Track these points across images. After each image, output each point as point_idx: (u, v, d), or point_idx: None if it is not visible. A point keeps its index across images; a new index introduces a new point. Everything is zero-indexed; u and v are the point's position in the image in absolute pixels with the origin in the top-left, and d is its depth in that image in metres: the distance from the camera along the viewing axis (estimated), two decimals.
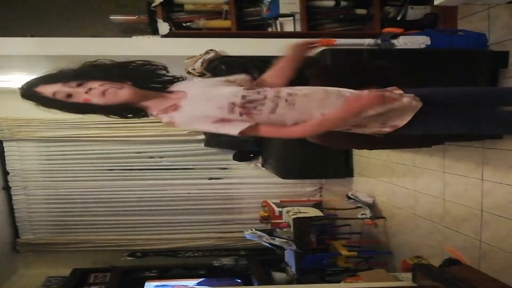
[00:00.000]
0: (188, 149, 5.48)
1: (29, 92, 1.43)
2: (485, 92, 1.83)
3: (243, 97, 1.48)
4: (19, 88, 1.44)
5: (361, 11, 3.14)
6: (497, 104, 1.80)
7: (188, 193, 5.57)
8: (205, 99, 1.49)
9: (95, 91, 1.39)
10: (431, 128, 1.67)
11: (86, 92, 1.39)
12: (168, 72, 1.56)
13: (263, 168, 5.16)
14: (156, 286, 4.90)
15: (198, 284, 4.96)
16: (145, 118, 1.58)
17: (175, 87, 1.56)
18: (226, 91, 1.51)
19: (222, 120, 1.48)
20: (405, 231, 3.71)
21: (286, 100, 1.51)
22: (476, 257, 2.83)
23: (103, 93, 1.39)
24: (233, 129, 1.48)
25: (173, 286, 4.90)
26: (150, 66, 1.53)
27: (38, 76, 1.44)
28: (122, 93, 1.41)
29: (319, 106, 1.54)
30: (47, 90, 1.41)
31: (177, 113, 1.47)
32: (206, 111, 1.48)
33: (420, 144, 2.70)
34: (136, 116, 1.55)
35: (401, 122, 1.61)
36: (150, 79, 1.53)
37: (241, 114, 1.48)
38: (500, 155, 2.59)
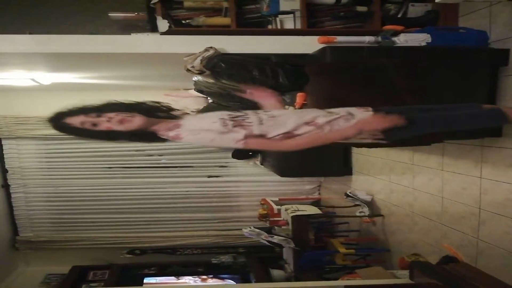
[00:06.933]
0: (187, 147, 5.47)
1: (59, 124, 1.69)
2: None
3: (229, 114, 1.75)
4: (49, 122, 1.71)
5: (361, 9, 3.13)
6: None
7: (187, 191, 5.57)
8: (200, 117, 1.82)
9: (114, 120, 1.67)
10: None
11: (108, 121, 1.67)
12: (170, 111, 1.85)
13: (262, 166, 5.16)
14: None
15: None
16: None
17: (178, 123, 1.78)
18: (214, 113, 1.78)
19: (221, 133, 1.70)
20: (403, 228, 3.72)
21: (268, 115, 1.78)
22: (473, 254, 2.84)
23: (121, 121, 1.67)
24: (232, 141, 1.71)
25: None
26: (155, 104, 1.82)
27: (62, 110, 1.70)
28: (136, 120, 1.70)
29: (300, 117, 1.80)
30: (75, 120, 1.67)
31: (181, 129, 1.74)
32: (204, 125, 1.74)
33: (419, 142, 2.71)
34: (151, 141, 1.80)
35: None
36: (154, 112, 1.80)
37: (234, 126, 1.71)
38: (499, 153, 2.59)
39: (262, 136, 1.73)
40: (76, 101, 1.70)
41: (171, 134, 1.74)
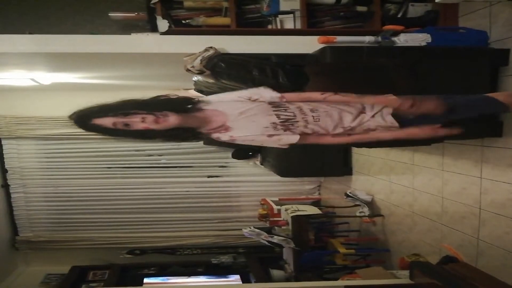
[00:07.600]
0: (187, 147, 5.47)
1: (88, 125, 1.61)
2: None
3: (278, 116, 1.76)
4: (73, 121, 1.62)
5: (361, 9, 3.14)
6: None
7: (187, 191, 5.57)
8: (250, 121, 1.75)
9: (148, 119, 1.59)
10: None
11: (142, 121, 1.59)
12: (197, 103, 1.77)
13: (262, 166, 5.16)
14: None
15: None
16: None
17: (206, 106, 1.75)
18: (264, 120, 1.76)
19: (273, 135, 1.76)
20: (403, 228, 3.72)
21: (313, 117, 1.79)
22: (473, 254, 2.85)
23: (156, 121, 1.60)
24: (288, 140, 1.78)
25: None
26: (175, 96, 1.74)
27: (86, 110, 1.61)
28: (171, 118, 1.62)
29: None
30: (106, 122, 1.59)
31: (232, 133, 1.75)
32: (255, 131, 1.75)
33: (419, 142, 2.71)
34: (191, 139, 1.80)
35: None
36: (182, 104, 1.72)
37: (285, 130, 1.76)
38: (499, 153, 2.60)
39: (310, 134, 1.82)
40: (94, 100, 1.60)
41: (225, 138, 1.77)
